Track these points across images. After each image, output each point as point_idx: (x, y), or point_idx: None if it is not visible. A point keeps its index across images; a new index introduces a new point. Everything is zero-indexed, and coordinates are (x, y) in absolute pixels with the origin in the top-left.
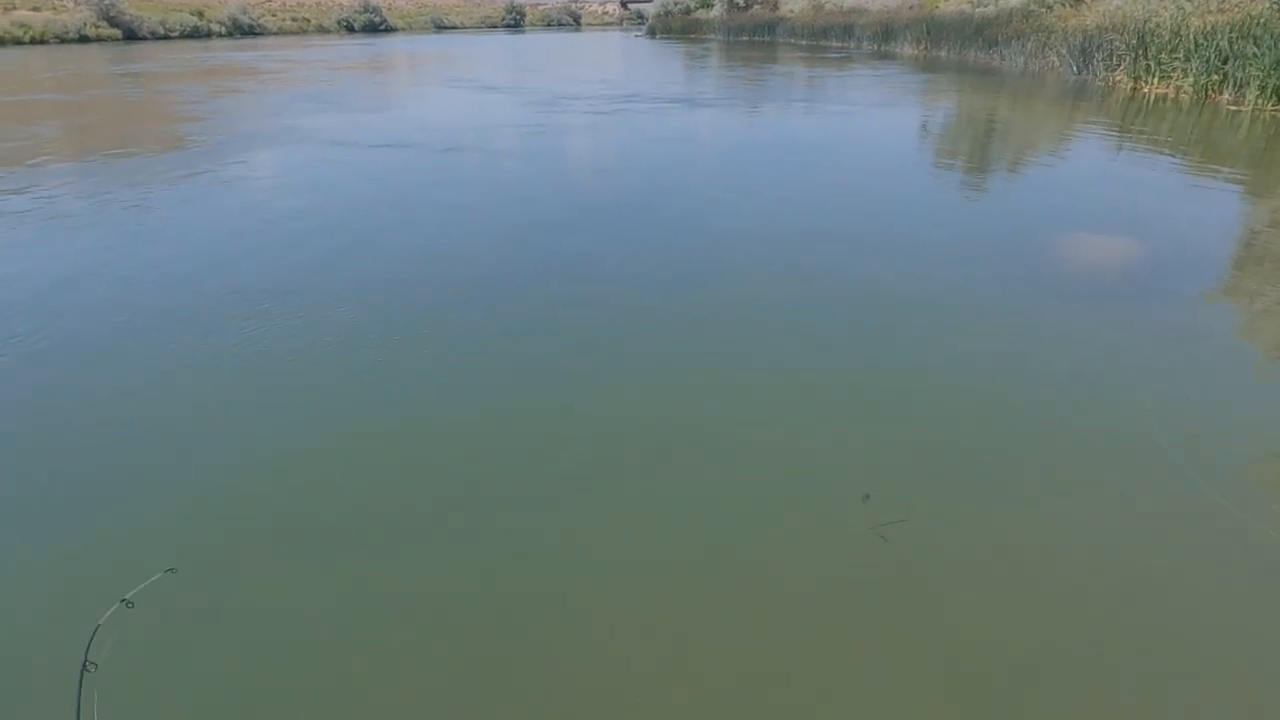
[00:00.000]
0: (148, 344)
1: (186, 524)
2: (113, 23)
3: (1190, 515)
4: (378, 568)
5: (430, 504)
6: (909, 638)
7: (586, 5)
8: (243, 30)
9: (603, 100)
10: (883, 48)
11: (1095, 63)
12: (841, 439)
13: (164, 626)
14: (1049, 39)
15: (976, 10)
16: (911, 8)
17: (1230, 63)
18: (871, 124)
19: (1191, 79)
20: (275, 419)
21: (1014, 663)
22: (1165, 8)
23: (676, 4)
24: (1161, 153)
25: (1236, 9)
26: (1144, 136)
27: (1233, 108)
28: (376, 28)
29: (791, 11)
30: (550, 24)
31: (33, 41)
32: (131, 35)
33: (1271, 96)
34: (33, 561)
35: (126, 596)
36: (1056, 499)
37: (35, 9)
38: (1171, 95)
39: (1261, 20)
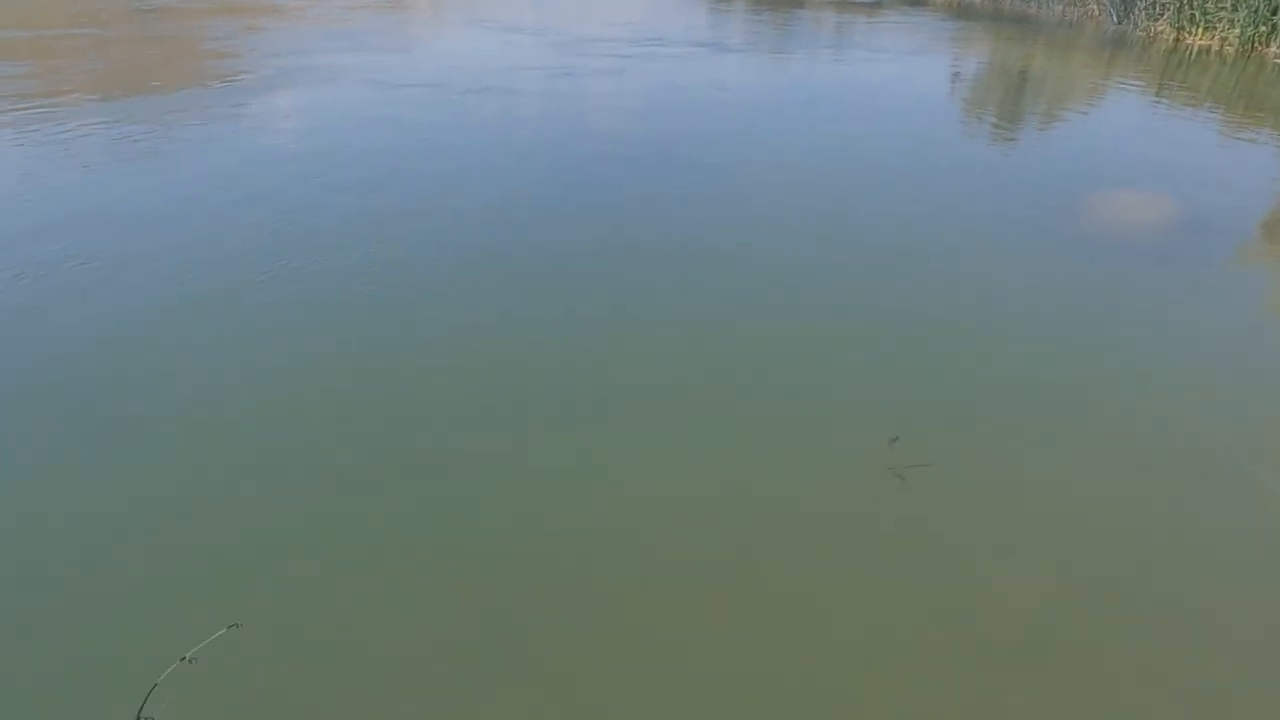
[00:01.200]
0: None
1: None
2: None
3: (1215, 480)
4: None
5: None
6: (927, 590)
7: None
8: None
9: (628, 44)
10: None
11: (1137, 11)
12: (863, 388)
13: None
14: None
15: None
16: None
17: None
18: (901, 74)
19: (1238, 30)
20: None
21: (1029, 621)
22: None
23: None
24: (1202, 108)
25: None
26: (1185, 90)
27: (1279, 61)
28: None
29: None
30: None
31: None
32: None
33: None
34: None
35: (187, 655)
36: (1076, 458)
37: None
38: (1216, 47)
39: None
